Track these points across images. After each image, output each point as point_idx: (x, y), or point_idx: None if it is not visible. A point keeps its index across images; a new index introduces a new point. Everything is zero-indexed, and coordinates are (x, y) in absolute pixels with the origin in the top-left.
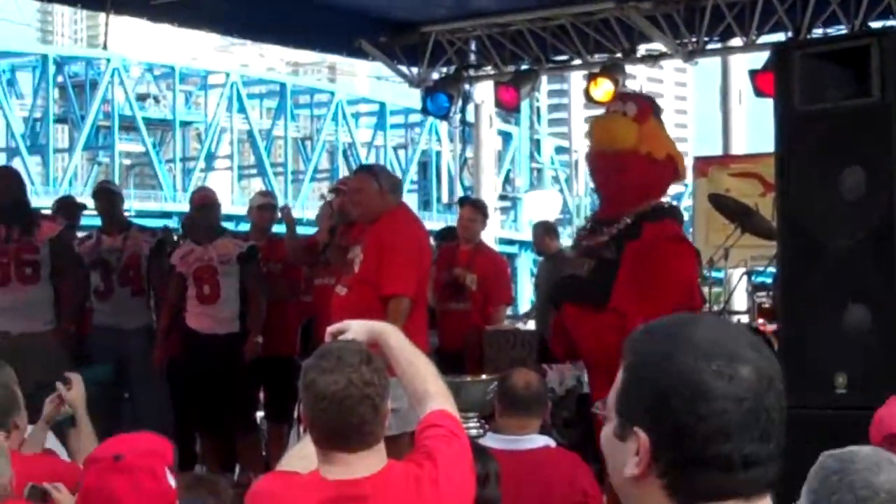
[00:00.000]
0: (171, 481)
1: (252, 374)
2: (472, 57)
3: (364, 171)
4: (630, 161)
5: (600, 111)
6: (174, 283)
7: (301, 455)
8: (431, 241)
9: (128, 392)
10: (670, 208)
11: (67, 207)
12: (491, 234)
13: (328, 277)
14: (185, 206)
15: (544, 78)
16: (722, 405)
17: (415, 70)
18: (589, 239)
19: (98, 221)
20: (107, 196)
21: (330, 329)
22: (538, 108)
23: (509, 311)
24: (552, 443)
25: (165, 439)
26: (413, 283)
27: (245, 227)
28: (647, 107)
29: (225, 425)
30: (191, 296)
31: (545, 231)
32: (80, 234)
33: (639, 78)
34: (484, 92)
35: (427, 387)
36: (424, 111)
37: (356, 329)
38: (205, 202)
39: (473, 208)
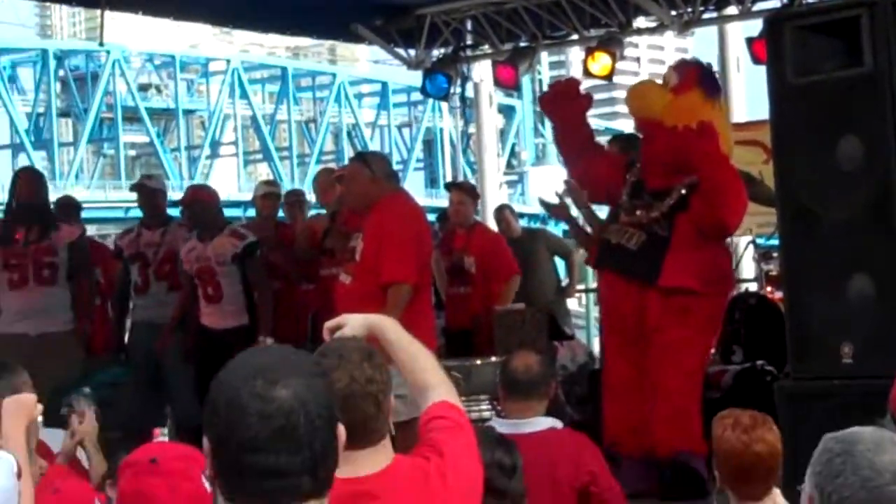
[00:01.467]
0: (207, 485)
1: None
2: (469, 37)
3: (356, 160)
4: (655, 131)
5: (600, 83)
6: (185, 278)
7: None
8: (434, 223)
9: (164, 385)
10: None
11: (64, 208)
12: None
13: (333, 267)
14: None
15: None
16: (251, 421)
17: (412, 52)
18: (641, 210)
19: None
20: (145, 191)
21: (327, 324)
22: (541, 81)
23: None
24: (558, 424)
25: (196, 448)
26: (413, 269)
27: (254, 212)
28: (691, 78)
29: None
30: (200, 294)
31: (511, 213)
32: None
33: (640, 47)
34: (482, 71)
35: (427, 378)
36: (424, 93)
37: (353, 324)
38: (192, 201)
39: (460, 191)
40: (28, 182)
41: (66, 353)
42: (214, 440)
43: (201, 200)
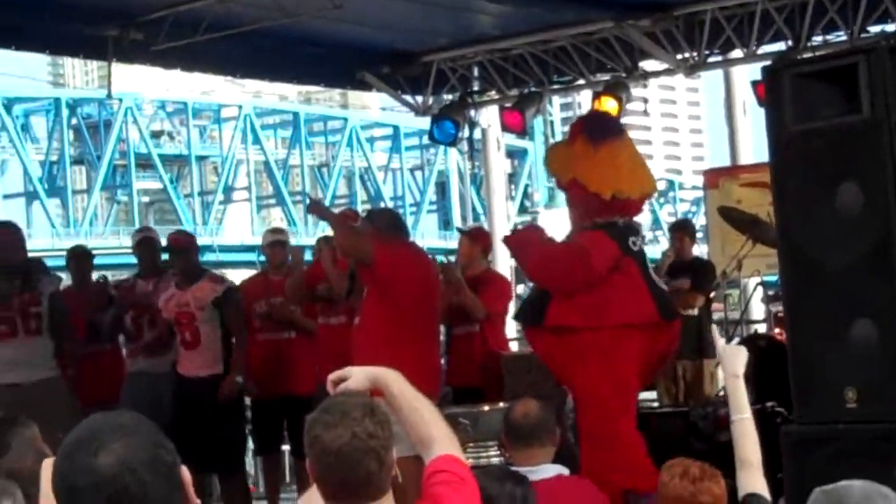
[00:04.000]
0: None
1: (271, 412)
2: (476, 83)
3: (364, 217)
4: (560, 187)
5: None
6: (164, 326)
7: None
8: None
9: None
10: (606, 224)
11: (79, 258)
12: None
13: (332, 317)
14: (206, 240)
15: None
16: (84, 495)
17: (419, 98)
18: None
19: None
20: (147, 243)
21: (331, 377)
22: (552, 122)
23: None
24: (565, 471)
25: None
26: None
27: None
28: (576, 129)
29: (207, 467)
30: (178, 341)
31: None
32: (112, 277)
33: (651, 87)
34: (490, 116)
35: (431, 431)
36: (432, 139)
37: (357, 376)
38: (176, 246)
39: (470, 237)
40: (6, 237)
41: (63, 399)
42: None
43: (183, 246)
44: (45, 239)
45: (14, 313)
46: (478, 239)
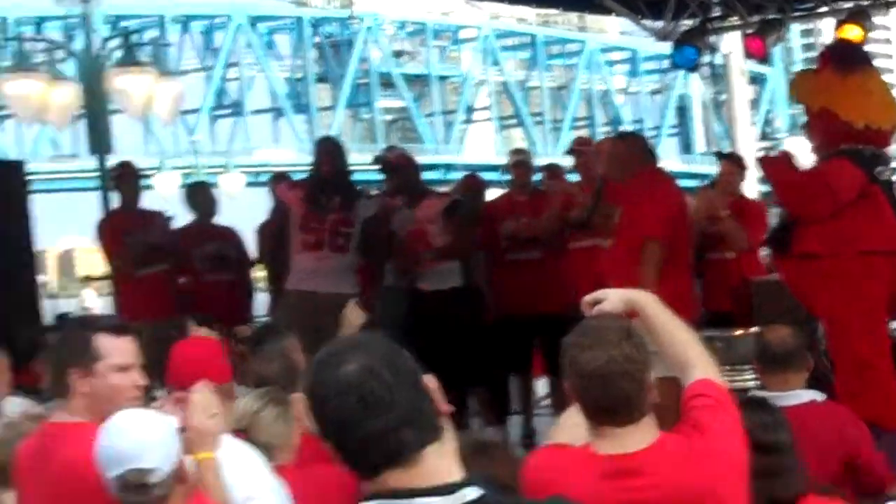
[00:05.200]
0: None
1: (522, 331)
2: (716, 9)
3: (618, 138)
4: (807, 115)
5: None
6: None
7: (572, 423)
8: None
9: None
10: (851, 151)
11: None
12: (753, 177)
13: (586, 240)
14: (449, 158)
15: None
16: (334, 403)
17: (660, 23)
18: None
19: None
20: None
21: (586, 298)
22: (791, 49)
23: None
24: (819, 397)
25: None
26: (658, 228)
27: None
28: (824, 60)
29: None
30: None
31: None
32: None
33: (893, 17)
34: (732, 42)
35: (688, 354)
36: (673, 64)
37: (612, 299)
38: (396, 164)
39: (730, 162)
40: (326, 154)
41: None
42: (322, 436)
43: (397, 165)
44: (291, 153)
45: (325, 229)
46: (740, 164)
